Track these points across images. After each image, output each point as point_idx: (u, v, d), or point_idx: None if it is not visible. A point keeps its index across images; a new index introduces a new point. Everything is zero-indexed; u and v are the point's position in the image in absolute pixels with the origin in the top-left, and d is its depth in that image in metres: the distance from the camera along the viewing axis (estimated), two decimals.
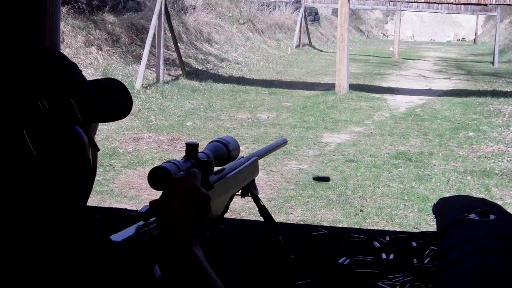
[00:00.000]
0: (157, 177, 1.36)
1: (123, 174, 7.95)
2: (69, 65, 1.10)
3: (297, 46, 28.58)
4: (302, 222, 6.20)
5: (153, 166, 1.39)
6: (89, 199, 1.15)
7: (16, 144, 0.98)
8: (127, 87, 1.26)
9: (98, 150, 1.13)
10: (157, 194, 1.26)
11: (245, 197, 2.15)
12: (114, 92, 1.21)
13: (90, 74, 13.94)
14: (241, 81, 17.59)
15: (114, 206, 6.19)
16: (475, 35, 46.08)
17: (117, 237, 1.21)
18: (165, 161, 1.41)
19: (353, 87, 16.30)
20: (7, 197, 1.00)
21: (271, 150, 2.20)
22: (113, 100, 1.19)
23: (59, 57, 1.10)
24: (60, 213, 1.04)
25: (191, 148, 1.50)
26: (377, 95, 15.78)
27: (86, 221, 1.09)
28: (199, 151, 1.55)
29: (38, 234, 1.01)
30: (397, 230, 5.75)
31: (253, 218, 5.59)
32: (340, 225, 6.10)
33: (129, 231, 1.26)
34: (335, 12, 34.10)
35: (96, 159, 1.14)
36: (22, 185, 1.00)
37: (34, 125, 1.00)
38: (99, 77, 13.44)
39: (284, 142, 2.29)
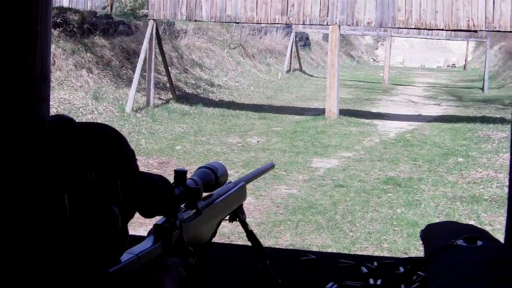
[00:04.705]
0: None
1: None
2: (127, 150, 1.17)
3: (288, 71, 28.70)
4: (291, 247, 6.19)
5: None
6: None
7: (54, 204, 1.01)
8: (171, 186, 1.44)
9: (128, 237, 1.19)
10: (147, 220, 1.31)
11: (234, 222, 2.15)
12: (160, 190, 1.36)
13: (80, 97, 13.93)
14: (231, 105, 17.64)
15: None
16: (465, 61, 46.38)
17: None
18: None
19: (343, 112, 16.36)
20: (32, 248, 1.02)
21: (259, 175, 2.21)
22: (155, 197, 1.34)
23: (120, 140, 1.16)
24: (76, 274, 1.06)
25: (180, 175, 1.52)
26: (367, 121, 15.84)
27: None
28: (188, 177, 1.56)
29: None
30: (386, 255, 5.74)
31: (242, 243, 5.57)
32: (329, 250, 6.09)
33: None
34: (325, 37, 34.35)
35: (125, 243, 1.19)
36: (47, 241, 1.02)
37: (77, 192, 1.03)
38: (89, 100, 13.21)
39: (271, 166, 2.31)
